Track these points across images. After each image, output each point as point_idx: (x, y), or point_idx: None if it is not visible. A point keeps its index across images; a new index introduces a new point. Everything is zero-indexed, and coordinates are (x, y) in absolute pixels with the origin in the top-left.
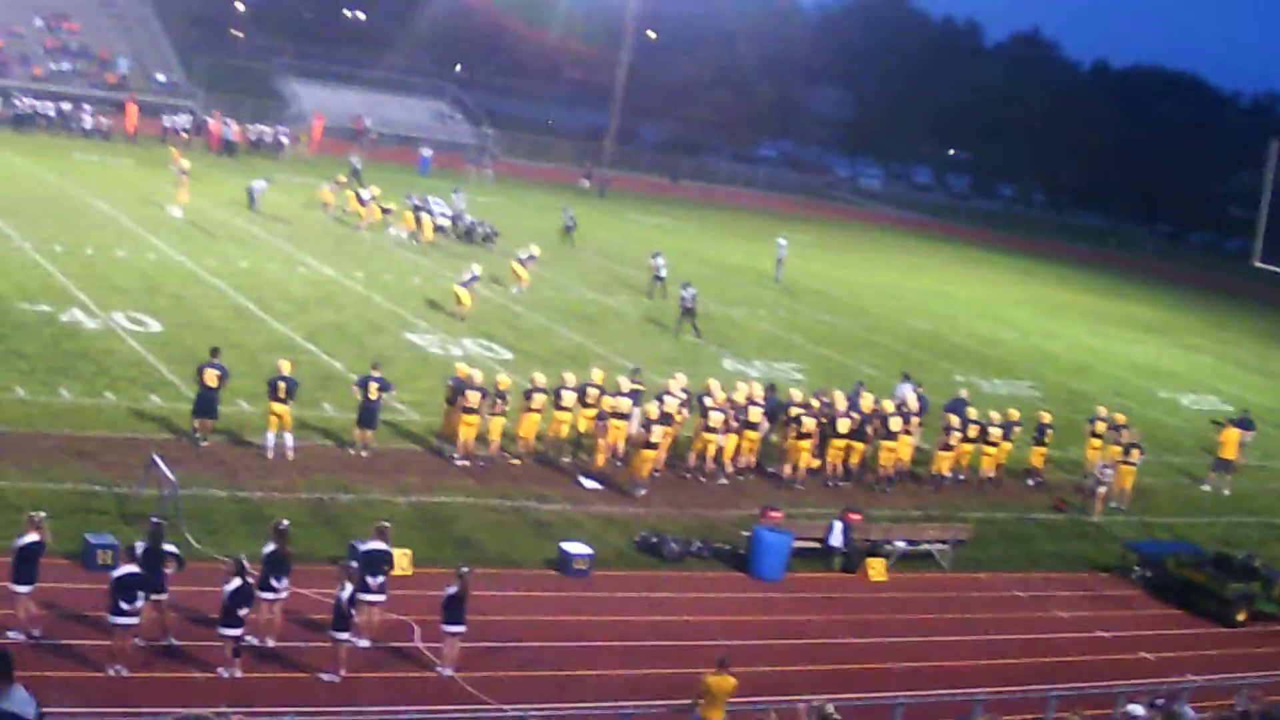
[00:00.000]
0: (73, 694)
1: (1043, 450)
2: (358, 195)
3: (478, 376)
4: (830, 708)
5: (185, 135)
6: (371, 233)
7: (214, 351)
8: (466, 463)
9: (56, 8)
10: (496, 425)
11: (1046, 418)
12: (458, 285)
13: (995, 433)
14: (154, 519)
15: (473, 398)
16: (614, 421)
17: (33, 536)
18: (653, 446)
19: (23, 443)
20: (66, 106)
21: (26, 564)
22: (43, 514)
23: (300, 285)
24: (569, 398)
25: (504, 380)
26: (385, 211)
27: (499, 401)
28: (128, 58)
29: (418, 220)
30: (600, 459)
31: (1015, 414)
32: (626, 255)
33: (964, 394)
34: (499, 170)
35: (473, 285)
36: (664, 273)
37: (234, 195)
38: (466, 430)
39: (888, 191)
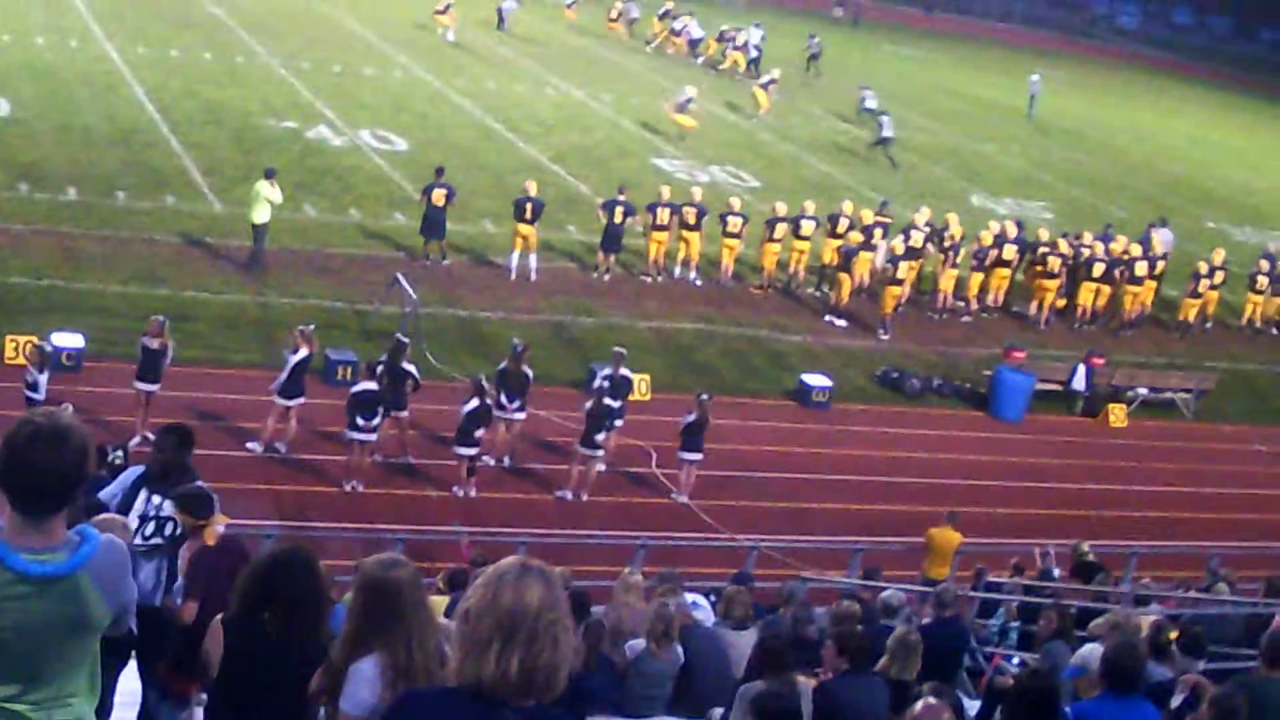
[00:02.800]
0: (310, 509)
1: (1274, 300)
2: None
3: (666, 194)
4: (1085, 545)
5: None
6: (621, 53)
7: (439, 170)
8: (650, 280)
9: None
10: (695, 243)
11: (1271, 266)
12: (671, 110)
13: (1262, 281)
14: (398, 336)
15: (663, 215)
16: (862, 254)
17: (304, 351)
18: (898, 282)
19: (268, 258)
20: None
21: (295, 379)
22: (312, 326)
23: (548, 107)
24: (808, 227)
25: (735, 201)
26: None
27: (738, 223)
28: None
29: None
30: (845, 293)
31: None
32: (880, 86)
33: (1273, 248)
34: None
35: (687, 108)
36: (872, 103)
37: (483, 15)
38: (654, 248)
39: (1145, 30)
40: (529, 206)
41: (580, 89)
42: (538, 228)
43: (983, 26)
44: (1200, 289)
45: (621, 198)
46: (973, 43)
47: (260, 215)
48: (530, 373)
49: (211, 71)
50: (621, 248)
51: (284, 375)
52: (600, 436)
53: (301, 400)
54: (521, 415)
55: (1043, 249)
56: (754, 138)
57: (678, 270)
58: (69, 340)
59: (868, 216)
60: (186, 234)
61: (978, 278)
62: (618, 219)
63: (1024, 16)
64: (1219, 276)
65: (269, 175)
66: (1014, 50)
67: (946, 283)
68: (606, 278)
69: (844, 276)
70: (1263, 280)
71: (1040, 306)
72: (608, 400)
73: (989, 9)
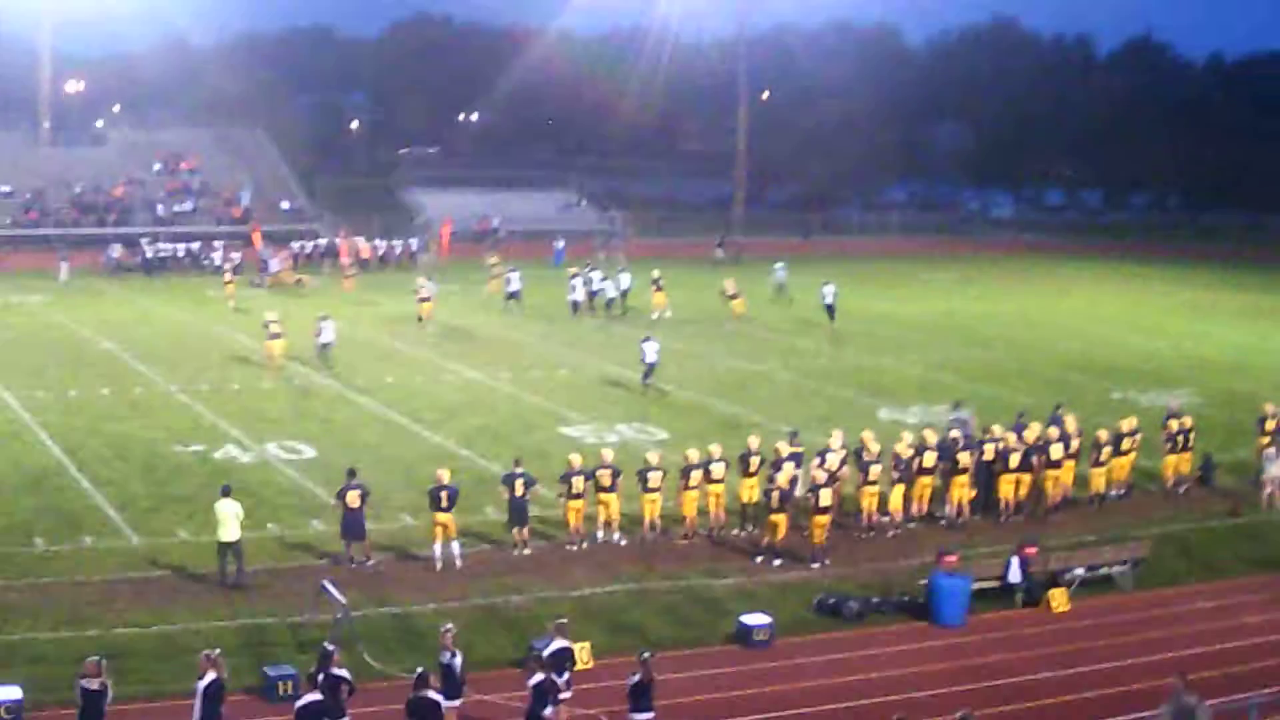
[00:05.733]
0: None
1: (1185, 456)
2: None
3: (577, 461)
4: None
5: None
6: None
7: (351, 472)
8: (574, 548)
9: (174, 147)
10: (613, 505)
11: (1179, 424)
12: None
13: (1174, 439)
14: (324, 644)
15: (577, 484)
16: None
17: (211, 675)
18: (823, 510)
19: (191, 584)
20: (195, 246)
21: (210, 704)
22: (218, 650)
23: (448, 392)
24: (719, 470)
25: (652, 456)
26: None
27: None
28: (249, 189)
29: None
30: (779, 535)
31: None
32: (770, 320)
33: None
34: (631, 252)
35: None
36: (782, 275)
37: (365, 312)
38: (573, 516)
39: (1021, 217)
40: (444, 494)
41: (477, 369)
42: (455, 514)
43: (860, 243)
44: (1104, 457)
45: (519, 470)
46: (853, 260)
47: (229, 533)
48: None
49: (112, 406)
50: (528, 519)
51: (197, 705)
52: (548, 712)
53: None
54: (457, 703)
55: (959, 451)
56: (657, 390)
57: (600, 534)
58: (6, 693)
59: (783, 449)
60: (108, 572)
61: (899, 490)
62: (519, 491)
63: (901, 225)
64: (1125, 443)
65: (226, 492)
66: (896, 260)
67: (869, 501)
68: (526, 552)
69: (778, 519)
70: (1174, 439)
71: (959, 504)
72: (552, 674)
73: (865, 224)
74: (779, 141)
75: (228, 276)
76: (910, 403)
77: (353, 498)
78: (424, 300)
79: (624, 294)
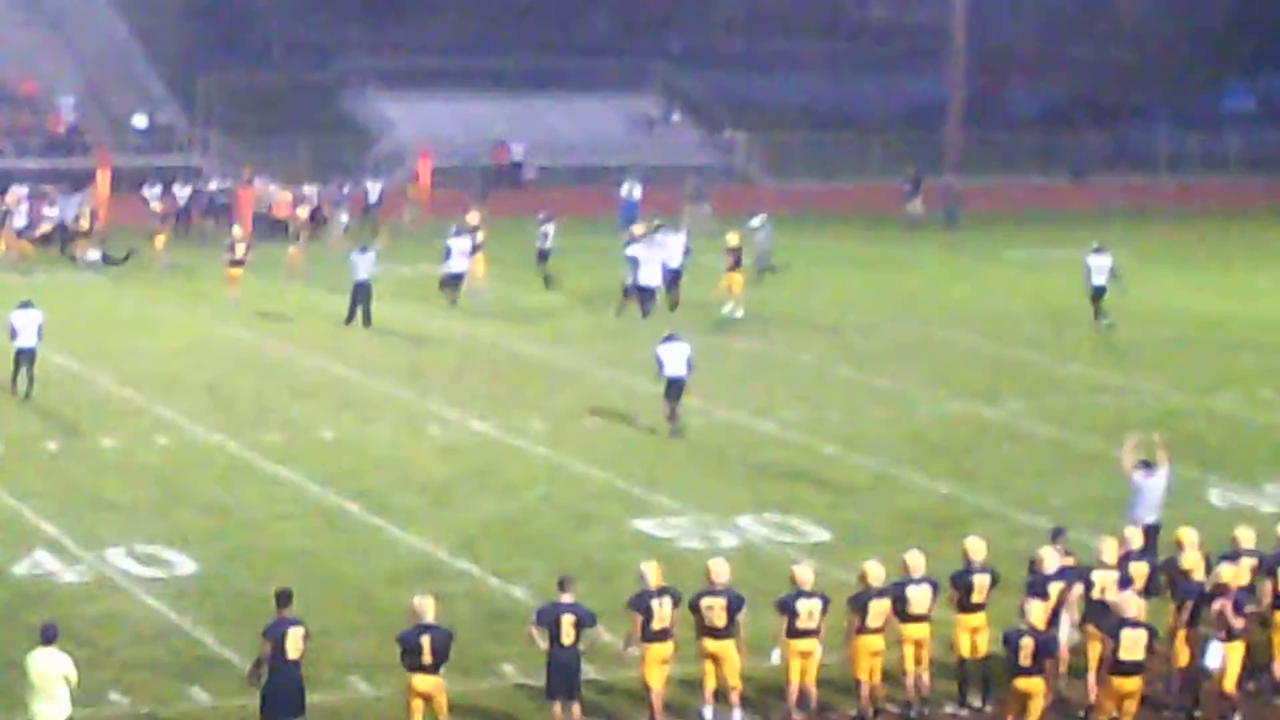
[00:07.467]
0: None
1: None
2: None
3: (656, 576)
4: None
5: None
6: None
7: (284, 597)
8: None
9: None
10: (729, 659)
11: None
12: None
13: None
14: None
15: (661, 613)
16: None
17: None
18: (1128, 670)
19: None
20: None
21: None
22: None
23: (434, 457)
24: (921, 599)
25: (804, 573)
26: None
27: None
28: (74, 93)
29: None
30: (1031, 711)
31: None
32: (1009, 326)
33: None
34: (767, 203)
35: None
36: (1102, 280)
37: (282, 308)
38: (656, 675)
39: None
40: (427, 642)
41: (486, 417)
42: (447, 676)
43: (1173, 188)
44: None
45: (566, 599)
46: (1160, 218)
47: (53, 710)
48: None
49: None
50: (580, 685)
51: None
52: None
53: None
54: None
55: None
56: (807, 455)
57: (707, 712)
58: None
59: (1047, 560)
60: None
61: (1237, 648)
62: (566, 637)
63: (1243, 159)
64: None
65: (48, 639)
66: (1236, 221)
67: (1183, 652)
68: None
69: (1028, 686)
70: None
71: None
72: None
73: (1180, 154)
74: (1024, 12)
75: None
76: (1263, 478)
77: (294, 641)
78: (235, 264)
79: (675, 275)
